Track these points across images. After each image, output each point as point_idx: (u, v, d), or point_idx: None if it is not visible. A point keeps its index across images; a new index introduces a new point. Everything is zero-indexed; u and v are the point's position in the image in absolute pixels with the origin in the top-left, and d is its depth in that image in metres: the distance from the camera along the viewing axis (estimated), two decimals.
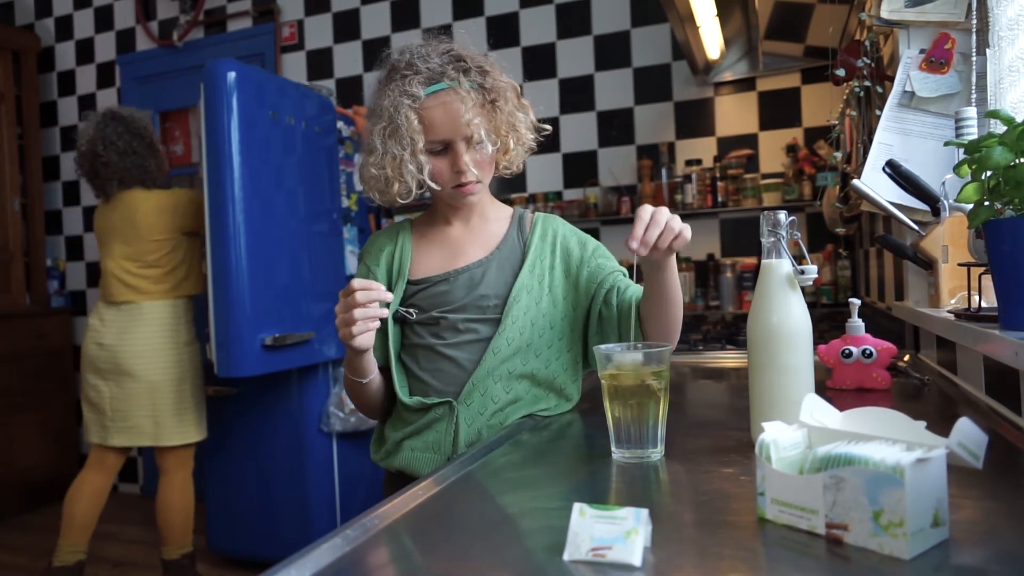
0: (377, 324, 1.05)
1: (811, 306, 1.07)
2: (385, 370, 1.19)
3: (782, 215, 0.87)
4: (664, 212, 0.95)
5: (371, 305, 1.02)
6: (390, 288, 1.20)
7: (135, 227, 2.53)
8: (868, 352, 1.20)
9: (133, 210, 2.54)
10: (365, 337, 1.04)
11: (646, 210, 0.95)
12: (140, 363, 2.49)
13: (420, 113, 1.11)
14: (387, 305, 1.11)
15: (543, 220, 1.25)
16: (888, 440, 0.62)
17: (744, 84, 3.04)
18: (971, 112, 1.30)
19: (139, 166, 2.57)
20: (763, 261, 0.88)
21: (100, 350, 2.52)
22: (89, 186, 2.64)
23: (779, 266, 0.87)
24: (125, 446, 2.54)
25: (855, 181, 1.44)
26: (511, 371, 1.15)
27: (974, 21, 1.41)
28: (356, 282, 1.02)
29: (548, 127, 1.23)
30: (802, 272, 0.86)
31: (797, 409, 0.71)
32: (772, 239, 0.87)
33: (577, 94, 3.25)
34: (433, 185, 1.14)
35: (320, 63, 3.69)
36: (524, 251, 1.21)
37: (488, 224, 1.24)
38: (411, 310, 1.15)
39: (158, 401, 2.51)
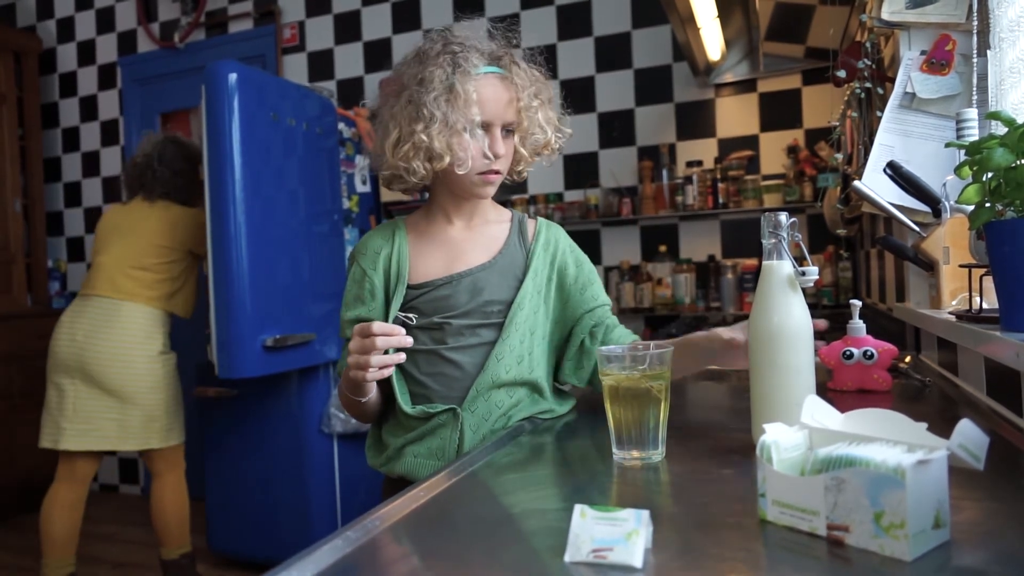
0: (392, 370, 1.04)
1: (812, 307, 1.06)
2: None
3: (783, 216, 0.87)
4: None
5: (389, 351, 1.00)
6: (389, 294, 1.18)
7: (142, 228, 2.53)
8: (869, 353, 1.20)
9: (146, 216, 2.55)
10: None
11: None
12: (108, 371, 2.38)
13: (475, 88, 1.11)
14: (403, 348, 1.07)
15: (546, 229, 1.24)
16: (889, 441, 0.62)
17: (745, 85, 3.04)
18: (972, 113, 1.30)
19: (187, 182, 2.65)
20: (764, 262, 0.88)
21: (70, 345, 2.41)
22: (124, 190, 2.70)
23: (780, 267, 0.87)
24: (82, 450, 2.39)
25: (856, 182, 1.44)
26: (512, 377, 1.14)
27: (975, 22, 1.41)
28: (376, 326, 0.99)
29: (570, 131, 1.24)
30: (803, 273, 0.86)
31: (798, 410, 0.71)
32: (773, 240, 0.87)
33: (578, 95, 3.25)
34: (459, 167, 1.11)
35: (321, 64, 3.70)
36: (527, 258, 1.20)
37: (489, 226, 1.23)
38: (411, 315, 1.12)
39: (126, 409, 2.40)
